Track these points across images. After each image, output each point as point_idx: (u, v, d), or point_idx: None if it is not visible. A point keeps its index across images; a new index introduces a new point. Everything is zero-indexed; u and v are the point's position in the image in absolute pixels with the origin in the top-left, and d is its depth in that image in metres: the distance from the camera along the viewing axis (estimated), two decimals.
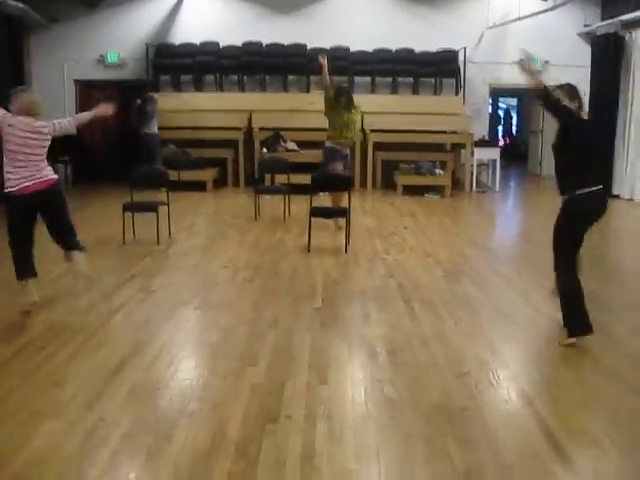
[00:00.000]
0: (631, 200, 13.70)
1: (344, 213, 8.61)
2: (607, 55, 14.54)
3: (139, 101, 14.09)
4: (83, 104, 15.95)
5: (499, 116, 25.29)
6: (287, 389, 4.36)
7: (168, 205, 8.93)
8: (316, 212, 8.63)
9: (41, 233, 6.19)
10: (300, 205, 10.25)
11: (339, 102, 9.65)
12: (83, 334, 5.39)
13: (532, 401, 4.27)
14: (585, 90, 14.95)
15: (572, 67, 15.45)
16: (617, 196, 14.13)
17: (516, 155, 21.93)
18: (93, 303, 6.27)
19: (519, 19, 14.91)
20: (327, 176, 9.10)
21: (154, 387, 4.41)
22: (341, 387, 4.45)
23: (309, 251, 8.40)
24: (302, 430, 3.83)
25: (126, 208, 8.76)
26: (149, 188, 9.66)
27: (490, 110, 22.42)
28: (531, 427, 3.93)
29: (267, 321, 5.75)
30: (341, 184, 8.98)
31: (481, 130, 15.72)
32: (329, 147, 9.74)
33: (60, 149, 14.82)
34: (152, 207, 8.80)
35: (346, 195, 8.88)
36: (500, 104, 25.58)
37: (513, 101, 25.43)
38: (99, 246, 8.67)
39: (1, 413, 4.02)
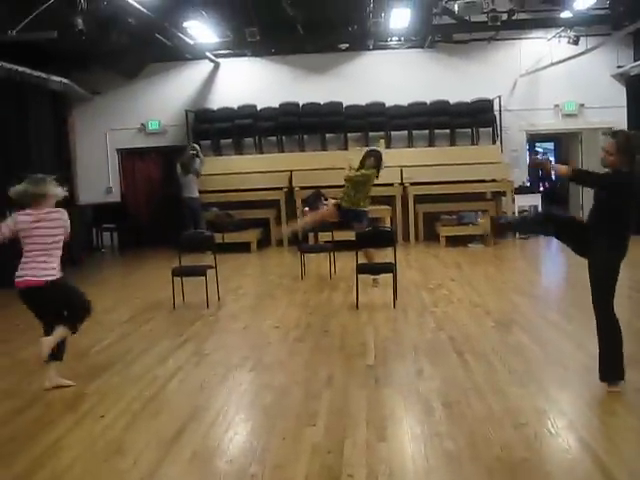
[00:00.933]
0: None
1: (390, 269, 8.65)
2: None
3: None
4: (126, 171, 16.37)
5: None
6: (347, 448, 4.38)
7: (216, 268, 9.05)
8: (363, 269, 8.69)
9: (99, 302, 6.30)
10: (345, 262, 10.33)
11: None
12: (140, 401, 5.47)
13: (593, 449, 4.23)
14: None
15: (607, 109, 15.54)
16: None
17: (557, 200, 21.81)
18: (148, 369, 6.35)
19: (552, 65, 15.00)
20: (371, 232, 9.16)
21: (215, 452, 4.45)
22: (400, 443, 4.46)
23: (357, 308, 8.44)
24: None
25: (175, 273, 8.90)
26: (196, 252, 9.80)
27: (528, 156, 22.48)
28: (595, 477, 3.90)
29: (321, 380, 5.78)
30: (385, 239, 9.04)
31: (521, 177, 15.74)
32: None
33: (105, 217, 15.19)
34: (200, 271, 8.93)
35: (380, 251, 8.96)
36: (537, 149, 25.51)
37: (550, 145, 25.36)
38: (150, 311, 8.84)
39: None
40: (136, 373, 6.27)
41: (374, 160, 9.96)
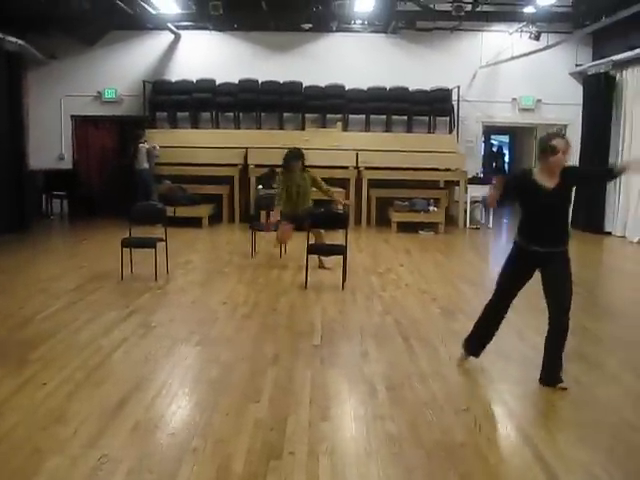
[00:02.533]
0: (623, 237, 13.82)
1: (341, 250, 8.69)
2: (598, 94, 14.77)
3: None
4: (79, 139, 16.14)
5: (492, 153, 25.47)
6: (289, 425, 4.41)
7: (166, 241, 8.98)
8: (313, 249, 8.72)
9: (45, 270, 6.24)
10: (296, 242, 10.32)
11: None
12: (84, 370, 5.43)
13: (530, 437, 4.32)
14: (577, 128, 15.23)
15: (564, 105, 15.76)
16: (609, 233, 14.27)
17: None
18: (93, 338, 6.30)
19: (512, 58, 15.14)
20: (325, 214, 9.19)
21: (157, 423, 4.44)
22: (343, 423, 4.51)
23: (306, 288, 8.47)
24: (305, 466, 3.88)
25: (124, 244, 8.82)
26: (147, 224, 9.72)
27: (483, 148, 22.71)
28: (530, 463, 3.98)
29: (267, 358, 5.81)
30: (337, 222, 9.07)
31: (474, 167, 15.88)
32: None
33: (56, 184, 14.97)
34: (150, 243, 8.85)
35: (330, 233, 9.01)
36: (493, 141, 25.79)
37: (505, 138, 25.62)
38: (97, 281, 8.75)
39: (4, 450, 4.04)
40: (81, 342, 6.21)
41: (301, 162, 9.90)
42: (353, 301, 7.96)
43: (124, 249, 8.84)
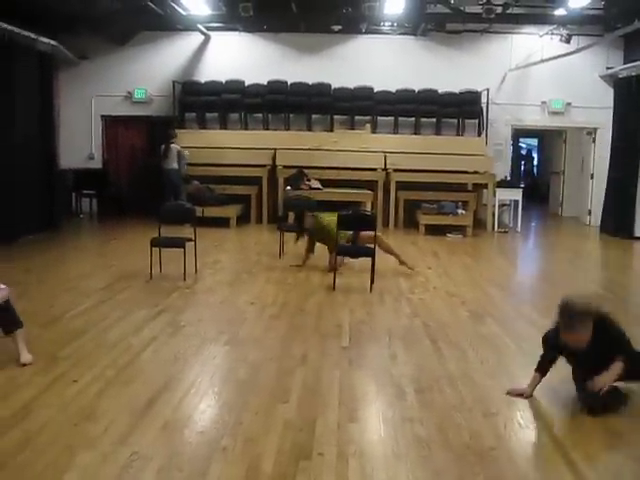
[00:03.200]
0: None
1: (370, 252, 8.68)
2: (630, 97, 14.65)
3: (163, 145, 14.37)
4: (109, 138, 16.27)
5: (521, 156, 25.38)
6: (318, 426, 4.41)
7: (195, 241, 9.03)
8: (342, 251, 8.72)
9: (75, 268, 6.29)
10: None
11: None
12: (114, 368, 5.47)
13: (561, 442, 4.29)
14: (608, 131, 15.13)
15: (594, 109, 15.65)
16: (639, 238, 14.15)
17: (538, 195, 22.00)
18: (123, 336, 6.35)
19: (542, 61, 15.06)
20: (353, 215, 9.18)
21: (186, 422, 4.46)
22: (371, 425, 4.51)
23: (334, 289, 8.48)
24: (334, 468, 3.88)
25: (154, 243, 8.88)
26: (175, 224, 9.77)
27: (515, 151, 22.63)
28: (561, 469, 3.95)
29: (295, 358, 5.82)
30: (366, 223, 9.06)
31: (503, 171, 15.81)
32: None
33: (86, 183, 15.11)
34: (179, 243, 8.90)
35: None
36: (521, 144, 25.71)
37: (534, 141, 25.51)
38: (126, 280, 8.81)
39: (36, 446, 4.08)
40: (110, 340, 6.25)
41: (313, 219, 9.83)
42: (381, 303, 7.95)
43: (153, 248, 8.91)
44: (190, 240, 8.98)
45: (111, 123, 16.46)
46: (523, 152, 26.00)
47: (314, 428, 4.39)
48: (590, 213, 16.40)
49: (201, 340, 6.28)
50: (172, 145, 14.30)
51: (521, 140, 25.58)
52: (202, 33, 15.73)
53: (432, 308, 7.76)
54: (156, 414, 4.57)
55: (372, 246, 8.74)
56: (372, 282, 8.63)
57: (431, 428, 4.46)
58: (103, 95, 16.02)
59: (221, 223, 13.91)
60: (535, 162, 25.76)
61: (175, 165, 14.28)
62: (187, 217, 9.56)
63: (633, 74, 14.51)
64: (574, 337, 4.70)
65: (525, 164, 25.64)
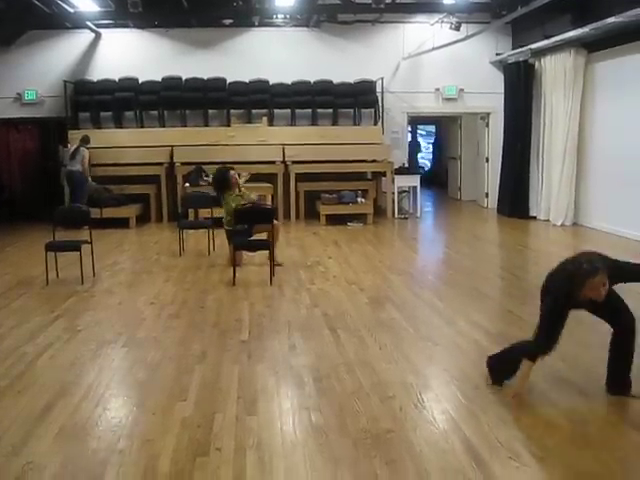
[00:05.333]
0: (547, 221, 14.11)
1: (267, 246, 8.70)
2: (518, 82, 15.06)
3: (72, 145, 14.02)
4: (1, 142, 15.81)
5: (418, 143, 25.76)
6: (216, 422, 4.42)
7: (91, 243, 8.87)
8: (239, 245, 8.71)
9: None
10: (225, 239, 10.30)
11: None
12: (8, 377, 5.34)
13: (456, 421, 4.42)
14: (500, 116, 15.54)
15: (486, 94, 16.04)
16: (534, 217, 14.57)
17: (437, 181, 22.41)
18: (18, 345, 6.19)
19: (433, 49, 15.31)
20: (250, 209, 9.17)
21: (83, 427, 4.40)
22: (269, 417, 4.53)
23: (234, 284, 8.47)
24: (232, 461, 3.90)
25: (48, 248, 8.69)
26: (71, 227, 9.58)
27: (410, 138, 22.95)
28: (455, 446, 4.07)
29: (194, 355, 5.80)
30: (264, 217, 9.07)
31: (401, 158, 16.03)
32: None
33: None
34: (75, 246, 8.73)
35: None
36: (421, 132, 26.12)
37: (432, 128, 25.88)
38: (22, 287, 8.60)
39: None
40: (5, 350, 6.09)
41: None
42: (281, 295, 7.98)
43: (49, 253, 8.72)
44: (86, 242, 8.82)
45: (1, 126, 15.97)
46: (420, 139, 26.36)
47: (212, 423, 4.39)
48: (487, 196, 16.78)
49: (98, 343, 6.19)
50: (82, 148, 13.94)
51: (420, 127, 25.99)
52: (92, 31, 15.38)
53: (331, 297, 7.83)
54: (51, 422, 4.48)
55: (269, 239, 8.75)
56: (272, 275, 8.65)
57: (329, 415, 4.52)
58: None
59: (120, 224, 13.67)
60: (423, 149, 26.08)
61: (79, 167, 13.94)
62: (82, 219, 9.39)
63: (521, 59, 14.91)
64: (602, 281, 4.40)
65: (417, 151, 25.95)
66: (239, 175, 9.92)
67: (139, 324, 6.85)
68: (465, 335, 6.37)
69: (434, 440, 4.18)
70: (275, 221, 9.43)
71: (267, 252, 8.91)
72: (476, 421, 4.43)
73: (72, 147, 14.00)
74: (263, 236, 9.33)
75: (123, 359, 5.83)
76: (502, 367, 5.06)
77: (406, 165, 16.15)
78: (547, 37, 13.64)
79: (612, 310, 4.81)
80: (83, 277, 8.71)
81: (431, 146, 26.15)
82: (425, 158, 26.05)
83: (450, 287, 8.58)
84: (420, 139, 26.14)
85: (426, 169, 24.61)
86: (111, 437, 4.24)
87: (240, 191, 9.73)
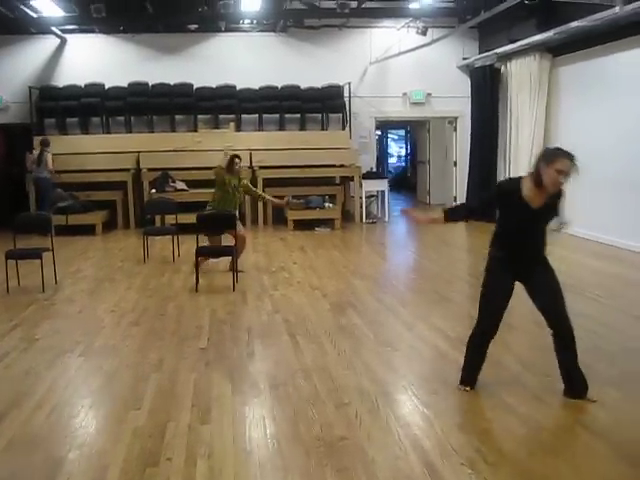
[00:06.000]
0: None
1: (230, 252, 8.67)
2: (485, 86, 15.17)
3: (36, 151, 13.88)
4: None
5: (388, 148, 25.87)
6: (169, 431, 4.37)
7: (53, 251, 8.77)
8: (203, 252, 8.67)
9: None
10: (191, 245, 10.21)
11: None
12: None
13: (410, 427, 4.41)
14: (467, 120, 15.63)
15: (454, 98, 16.11)
16: None
17: (407, 185, 22.48)
18: None
19: (400, 54, 15.36)
20: (212, 215, 9.13)
21: (32, 440, 4.33)
22: (223, 426, 4.48)
23: (197, 291, 8.42)
24: (182, 471, 3.86)
25: (8, 256, 8.60)
26: (33, 234, 9.47)
27: (381, 142, 23.03)
28: (408, 452, 4.06)
29: (151, 364, 5.74)
30: (226, 223, 9.02)
31: (369, 162, 16.05)
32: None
33: None
34: (35, 254, 8.65)
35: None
36: (393, 136, 26.20)
37: (402, 132, 25.96)
38: None
39: None
40: None
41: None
42: (243, 302, 7.94)
43: (9, 261, 8.63)
44: (47, 250, 8.73)
45: None
46: (392, 143, 26.45)
47: (164, 433, 4.35)
48: (455, 200, 16.83)
49: (55, 353, 6.11)
50: (46, 153, 13.81)
51: (390, 132, 26.07)
52: (57, 36, 15.26)
53: (293, 303, 7.81)
54: (1, 433, 4.41)
55: (232, 245, 8.71)
56: (235, 281, 8.61)
57: (283, 423, 4.49)
58: None
59: (86, 231, 13.56)
60: (390, 153, 26.18)
61: (46, 173, 13.81)
62: (43, 226, 9.30)
63: (487, 64, 15.01)
64: (564, 170, 4.50)
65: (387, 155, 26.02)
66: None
67: (98, 332, 6.78)
68: (425, 340, 6.37)
69: (387, 447, 4.16)
70: (240, 228, 9.40)
71: (230, 258, 8.89)
72: (430, 427, 4.42)
73: (36, 152, 13.87)
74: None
75: (79, 368, 5.76)
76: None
77: (374, 170, 16.17)
78: (512, 41, 13.74)
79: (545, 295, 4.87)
80: (44, 285, 8.62)
81: (402, 150, 26.25)
82: (397, 163, 26.15)
83: (413, 292, 8.60)
84: (392, 143, 26.22)
85: (396, 173, 24.65)
86: (61, 448, 4.18)
87: (240, 180, 9.68)
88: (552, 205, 4.74)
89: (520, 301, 5.08)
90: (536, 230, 4.81)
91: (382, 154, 25.27)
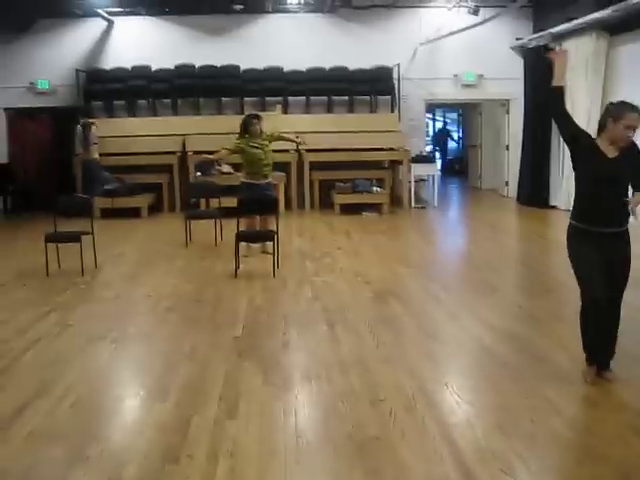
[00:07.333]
0: (568, 211, 13.67)
1: (271, 237, 8.46)
2: (539, 67, 14.65)
3: (79, 127, 13.90)
4: (14, 132, 15.67)
5: (448, 131, 25.42)
6: (193, 425, 4.18)
7: (93, 234, 8.66)
8: (243, 236, 8.47)
9: None
10: (234, 229, 10.06)
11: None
12: None
13: (447, 426, 4.15)
14: (520, 102, 15.17)
15: (506, 80, 15.62)
16: (554, 207, 14.19)
17: (459, 169, 22.05)
18: (5, 340, 6.00)
19: (451, 34, 14.96)
20: (255, 199, 8.93)
21: (53, 430, 4.18)
22: (249, 422, 4.27)
23: (236, 277, 8.22)
24: (202, 470, 3.66)
25: (48, 239, 8.51)
26: (74, 216, 9.36)
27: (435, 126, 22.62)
28: (443, 454, 3.80)
29: (183, 353, 5.56)
30: (269, 207, 8.82)
31: (419, 146, 15.70)
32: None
33: None
34: (74, 237, 8.54)
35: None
36: (436, 119, 25.74)
37: (454, 114, 25.46)
38: (22, 278, 8.47)
39: None
40: None
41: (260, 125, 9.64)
42: (283, 288, 7.72)
43: (50, 244, 8.55)
44: (87, 233, 8.62)
45: (15, 116, 15.80)
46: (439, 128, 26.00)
47: (188, 427, 4.15)
48: (507, 184, 16.42)
49: (87, 339, 5.97)
50: (92, 133, 13.80)
51: (445, 115, 25.62)
52: (104, 18, 15.19)
53: (335, 290, 7.56)
54: (23, 423, 4.28)
55: (274, 230, 8.50)
56: (276, 267, 8.39)
57: (313, 420, 4.28)
58: (5, 87, 15.33)
59: (132, 213, 13.49)
60: (454, 137, 25.69)
61: (96, 155, 13.80)
62: (83, 209, 9.20)
63: (541, 44, 14.51)
64: (632, 125, 4.52)
65: (443, 140, 25.53)
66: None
67: (132, 319, 6.66)
68: (469, 332, 6.09)
69: (421, 449, 3.90)
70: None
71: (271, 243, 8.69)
72: (470, 428, 4.14)
73: (80, 133, 13.88)
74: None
75: (109, 357, 5.61)
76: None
77: (424, 153, 15.81)
78: (568, 20, 13.23)
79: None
80: (84, 269, 8.52)
81: (454, 134, 25.78)
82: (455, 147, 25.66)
83: (460, 281, 8.29)
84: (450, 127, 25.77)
85: (453, 157, 24.17)
86: (80, 441, 4.01)
87: (261, 142, 9.52)
88: (628, 157, 4.65)
89: (576, 292, 4.79)
90: (614, 189, 4.59)
91: (443, 138, 24.94)
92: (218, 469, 3.66)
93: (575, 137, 4.79)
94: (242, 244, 8.75)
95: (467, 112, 21.01)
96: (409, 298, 7.27)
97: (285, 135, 10.13)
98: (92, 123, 14.01)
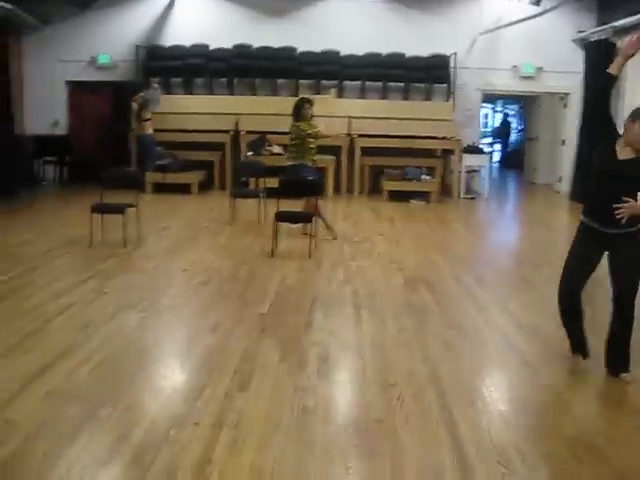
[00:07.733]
0: None
1: (309, 218, 8.54)
2: (599, 61, 14.40)
3: (142, 94, 14.22)
4: (74, 104, 16.00)
5: (509, 123, 25.16)
6: (205, 395, 4.30)
7: (137, 207, 8.86)
8: (281, 217, 8.56)
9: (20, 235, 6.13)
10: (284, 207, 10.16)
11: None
12: (17, 336, 5.33)
13: (452, 414, 4.18)
14: (579, 96, 14.94)
15: (565, 73, 15.40)
16: None
17: (516, 162, 21.79)
18: (41, 304, 6.21)
19: (510, 24, 14.80)
20: (297, 181, 9.02)
21: (70, 391, 4.34)
22: (259, 396, 4.36)
23: (272, 256, 8.33)
24: (205, 438, 3.76)
25: (94, 209, 8.72)
26: (120, 189, 9.57)
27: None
28: (442, 441, 3.84)
29: (207, 326, 5.69)
30: (311, 189, 8.90)
31: (473, 136, 15.59)
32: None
33: (49, 150, 14.92)
34: (119, 209, 8.73)
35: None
36: (496, 111, 25.47)
37: (515, 107, 25.15)
38: (67, 246, 8.69)
39: None
40: (27, 308, 6.11)
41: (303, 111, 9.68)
42: (316, 270, 7.81)
43: (97, 215, 8.76)
44: (131, 206, 8.82)
45: (76, 89, 16.12)
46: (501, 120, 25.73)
47: (200, 397, 4.27)
48: (561, 180, 16.21)
49: (118, 307, 6.14)
50: (147, 104, 14.10)
51: (507, 107, 25.33)
52: None
53: (367, 275, 7.61)
54: (43, 383, 4.45)
55: (312, 212, 8.59)
56: (313, 248, 8.47)
57: (321, 399, 4.34)
58: (67, 60, 15.63)
59: (182, 189, 13.71)
60: (514, 128, 25.40)
61: (150, 130, 14.07)
62: (131, 182, 9.39)
63: (602, 38, 14.27)
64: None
65: (504, 132, 25.26)
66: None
67: (165, 290, 6.81)
68: (495, 326, 6.08)
69: (422, 435, 3.94)
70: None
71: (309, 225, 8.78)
72: (474, 418, 4.17)
73: (135, 107, 14.15)
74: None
75: (136, 325, 5.75)
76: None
77: (477, 144, 15.70)
78: (633, 13, 12.96)
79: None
80: (126, 240, 8.72)
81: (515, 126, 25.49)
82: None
83: (495, 273, 8.25)
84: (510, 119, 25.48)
85: (512, 150, 23.90)
86: (95, 403, 4.16)
87: (310, 126, 9.54)
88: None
89: (600, 287, 4.78)
90: (615, 188, 4.55)
91: (504, 130, 24.73)
92: (220, 438, 3.77)
93: (604, 133, 4.84)
94: (283, 225, 8.88)
95: (528, 105, 20.74)
96: (440, 287, 7.29)
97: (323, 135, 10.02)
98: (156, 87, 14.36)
